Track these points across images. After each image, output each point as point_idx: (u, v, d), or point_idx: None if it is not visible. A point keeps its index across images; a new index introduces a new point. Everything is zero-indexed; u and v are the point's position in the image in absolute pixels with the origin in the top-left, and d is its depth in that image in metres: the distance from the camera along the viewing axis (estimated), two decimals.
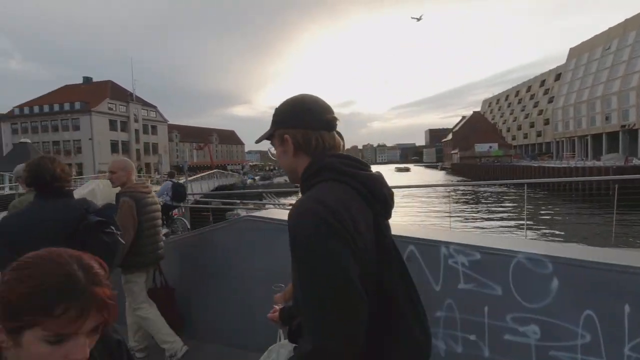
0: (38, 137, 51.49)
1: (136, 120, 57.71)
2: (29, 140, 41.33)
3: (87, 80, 60.30)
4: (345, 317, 0.87)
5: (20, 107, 55.30)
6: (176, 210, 9.37)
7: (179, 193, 8.85)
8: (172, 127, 69.68)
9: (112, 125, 54.36)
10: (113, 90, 56.46)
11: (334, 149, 1.05)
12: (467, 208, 16.83)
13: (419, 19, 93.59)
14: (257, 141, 1.19)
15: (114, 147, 53.47)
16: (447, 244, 2.05)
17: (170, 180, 9.47)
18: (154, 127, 62.36)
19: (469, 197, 20.09)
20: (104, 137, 52.10)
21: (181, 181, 17.69)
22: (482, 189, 21.58)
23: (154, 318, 2.98)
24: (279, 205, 10.90)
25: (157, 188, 9.00)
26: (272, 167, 65.82)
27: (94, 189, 12.20)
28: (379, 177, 1.04)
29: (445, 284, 2.06)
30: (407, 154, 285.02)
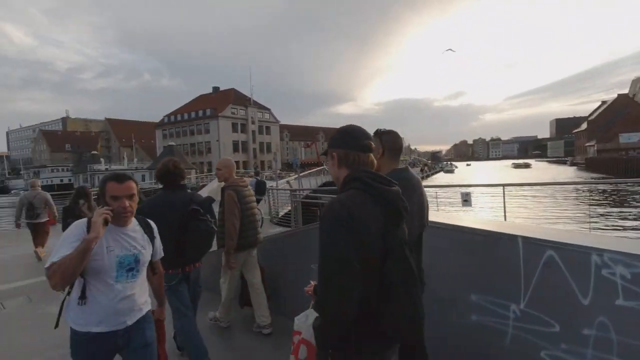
0: (180, 140, 61.29)
1: (253, 122, 64.09)
2: (174, 143, 49.96)
3: (215, 89, 69.43)
4: (339, 289, 1.17)
5: (168, 116, 66.74)
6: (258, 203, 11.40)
7: (260, 188, 10.81)
8: (282, 127, 75.19)
9: (234, 127, 61.36)
10: (235, 97, 63.75)
11: (367, 166, 1.39)
12: (610, 211, 14.02)
13: (449, 50, 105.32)
14: (320, 155, 1.57)
15: (235, 147, 60.35)
16: (600, 251, 1.75)
17: (255, 178, 11.42)
18: (267, 128, 68.34)
19: (611, 199, 16.73)
20: (228, 138, 59.22)
21: (292, 177, 19.26)
22: (629, 189, 17.67)
23: (226, 295, 3.60)
24: None
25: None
26: None
27: (220, 184, 14.26)
28: (396, 192, 1.33)
29: (596, 298, 1.77)
30: (527, 148, 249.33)
